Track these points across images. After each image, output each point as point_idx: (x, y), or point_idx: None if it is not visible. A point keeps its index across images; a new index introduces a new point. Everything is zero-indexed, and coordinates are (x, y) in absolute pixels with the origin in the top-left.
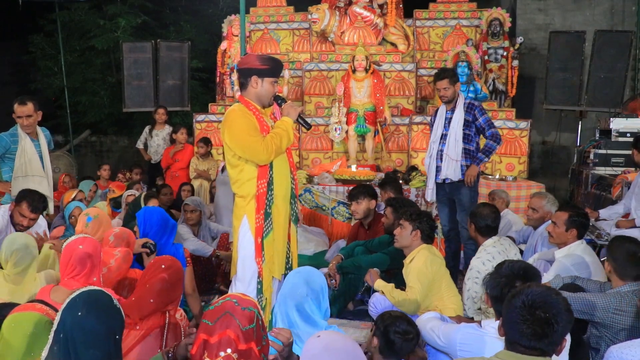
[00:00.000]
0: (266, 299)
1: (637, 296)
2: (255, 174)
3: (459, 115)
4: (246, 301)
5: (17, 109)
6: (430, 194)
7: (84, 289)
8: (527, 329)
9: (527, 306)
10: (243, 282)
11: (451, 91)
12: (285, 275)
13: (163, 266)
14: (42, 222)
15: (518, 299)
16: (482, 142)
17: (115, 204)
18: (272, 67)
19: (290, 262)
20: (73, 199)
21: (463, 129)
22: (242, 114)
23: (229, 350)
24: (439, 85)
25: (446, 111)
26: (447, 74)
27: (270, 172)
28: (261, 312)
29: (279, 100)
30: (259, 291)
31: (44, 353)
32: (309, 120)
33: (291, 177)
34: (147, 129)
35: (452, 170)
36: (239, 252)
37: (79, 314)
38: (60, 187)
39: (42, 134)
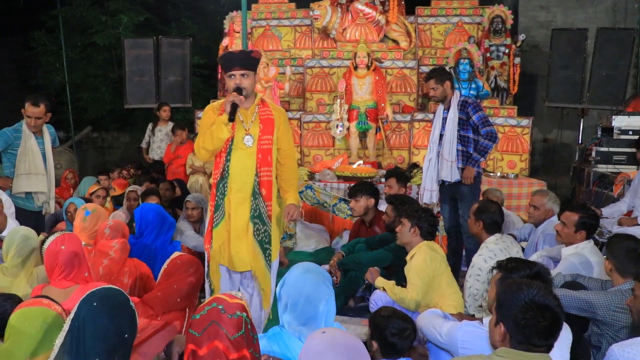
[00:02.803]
0: (213, 283)
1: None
2: (214, 165)
3: (452, 115)
4: (233, 306)
5: (29, 108)
6: (433, 196)
7: (105, 286)
8: (541, 328)
9: (538, 306)
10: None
11: (440, 91)
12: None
13: (191, 270)
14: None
15: (521, 299)
16: None
17: (117, 202)
18: (222, 63)
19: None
20: (92, 194)
21: (458, 130)
22: (209, 108)
23: None
24: (427, 86)
25: (443, 110)
26: (433, 74)
27: (227, 164)
28: (249, 313)
29: (239, 91)
30: (207, 275)
31: (58, 340)
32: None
33: (256, 173)
34: (149, 126)
35: (447, 172)
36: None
37: (94, 304)
38: (63, 183)
39: (47, 132)
